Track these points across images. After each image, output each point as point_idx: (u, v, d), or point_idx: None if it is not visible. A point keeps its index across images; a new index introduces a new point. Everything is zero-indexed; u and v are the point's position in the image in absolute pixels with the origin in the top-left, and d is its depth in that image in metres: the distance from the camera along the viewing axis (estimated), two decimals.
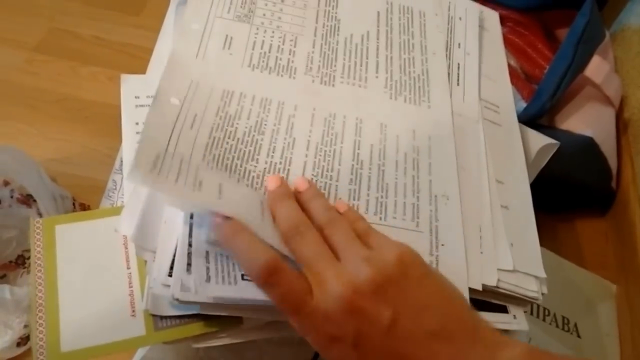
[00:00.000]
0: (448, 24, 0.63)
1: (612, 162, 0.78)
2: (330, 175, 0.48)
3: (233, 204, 0.41)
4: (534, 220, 0.53)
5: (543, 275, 0.49)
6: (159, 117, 0.45)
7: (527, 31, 0.82)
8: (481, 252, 0.48)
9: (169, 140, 0.43)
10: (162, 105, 0.46)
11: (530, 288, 0.48)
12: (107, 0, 0.97)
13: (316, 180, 0.47)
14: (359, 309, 0.33)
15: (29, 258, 0.63)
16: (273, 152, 0.48)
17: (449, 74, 0.59)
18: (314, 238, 0.38)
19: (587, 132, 0.74)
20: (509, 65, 0.78)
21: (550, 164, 0.61)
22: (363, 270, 0.34)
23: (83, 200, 0.69)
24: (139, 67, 0.56)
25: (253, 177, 0.45)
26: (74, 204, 0.68)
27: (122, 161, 0.49)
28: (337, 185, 0.47)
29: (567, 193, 0.76)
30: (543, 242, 0.52)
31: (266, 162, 0.47)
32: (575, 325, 0.69)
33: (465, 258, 0.46)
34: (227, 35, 0.54)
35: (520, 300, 0.48)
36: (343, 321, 0.33)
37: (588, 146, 0.75)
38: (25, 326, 0.56)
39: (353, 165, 0.49)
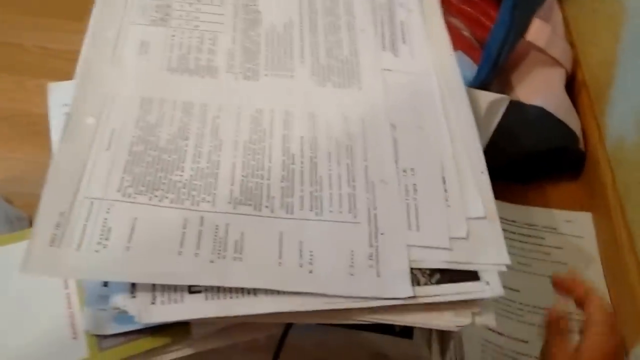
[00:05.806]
0: None
1: (574, 124, 0.80)
2: (261, 174, 0.49)
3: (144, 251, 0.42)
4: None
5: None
6: (71, 147, 0.47)
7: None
8: (448, 206, 0.49)
9: (80, 183, 0.45)
10: (76, 130, 0.48)
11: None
12: (47, 8, 0.98)
13: (247, 181, 0.48)
14: None
15: None
16: (199, 157, 0.49)
17: (390, 35, 0.60)
18: None
19: (536, 100, 0.77)
20: (463, 35, 0.80)
21: (511, 137, 0.63)
22: None
23: None
24: None
25: (179, 187, 0.47)
26: (30, 225, 0.69)
27: None
28: (269, 184, 0.48)
29: (537, 163, 0.78)
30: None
31: (192, 169, 0.48)
32: None
33: (406, 246, 0.46)
34: (142, 41, 0.56)
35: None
36: None
37: (541, 116, 0.77)
38: None
39: (284, 160, 0.50)
